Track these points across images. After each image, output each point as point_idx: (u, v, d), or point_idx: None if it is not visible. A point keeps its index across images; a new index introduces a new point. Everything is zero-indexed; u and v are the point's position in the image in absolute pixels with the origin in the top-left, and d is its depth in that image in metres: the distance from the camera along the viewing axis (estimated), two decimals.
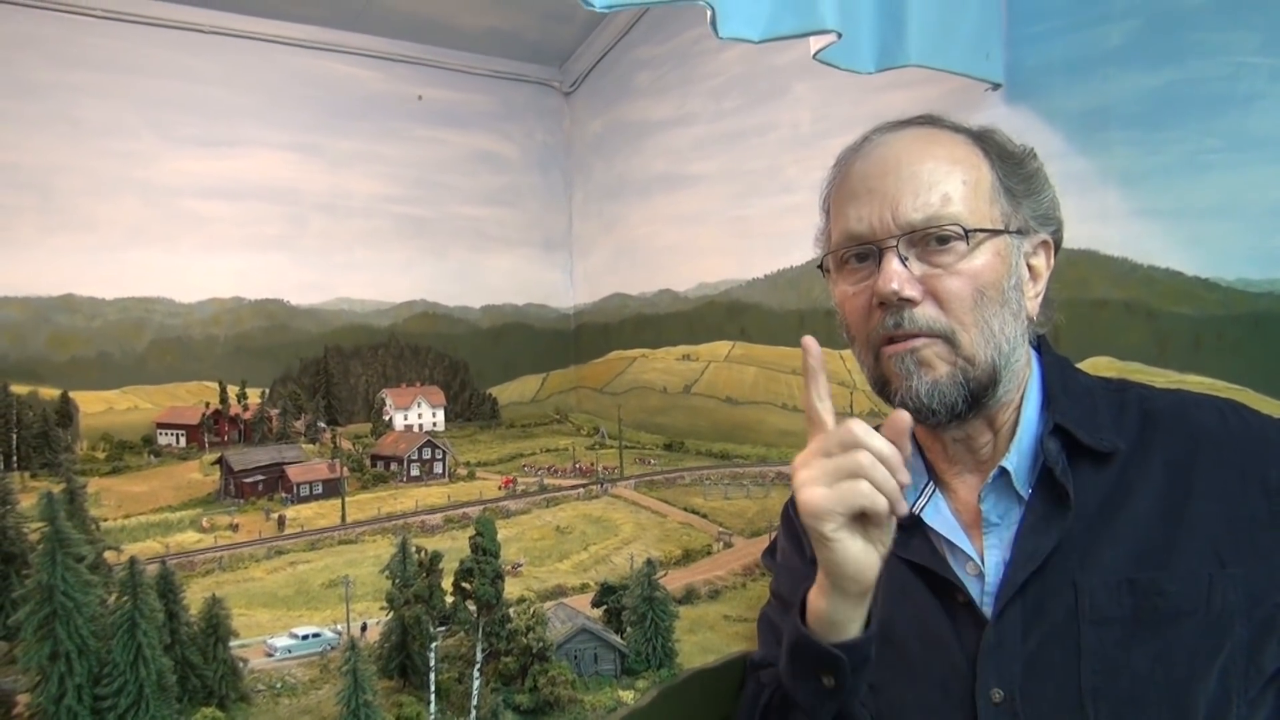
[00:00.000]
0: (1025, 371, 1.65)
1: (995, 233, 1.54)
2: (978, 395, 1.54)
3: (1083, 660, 1.40)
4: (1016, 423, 1.62)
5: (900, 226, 1.53)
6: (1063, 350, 1.75)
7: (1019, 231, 1.58)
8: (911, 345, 1.54)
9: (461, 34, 5.97)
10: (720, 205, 5.30)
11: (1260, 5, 2.79)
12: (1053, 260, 1.67)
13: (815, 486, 1.32)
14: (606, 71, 6.35)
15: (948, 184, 1.53)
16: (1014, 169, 1.62)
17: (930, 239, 1.51)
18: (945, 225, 1.50)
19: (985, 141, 1.63)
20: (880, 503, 1.34)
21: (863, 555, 1.37)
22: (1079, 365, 1.74)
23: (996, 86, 3.40)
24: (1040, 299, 1.64)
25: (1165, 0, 3.01)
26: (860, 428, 1.36)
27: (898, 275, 1.51)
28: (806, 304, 4.64)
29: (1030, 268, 1.62)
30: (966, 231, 1.50)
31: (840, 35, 2.60)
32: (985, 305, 1.51)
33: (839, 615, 1.41)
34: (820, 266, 1.74)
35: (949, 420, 1.56)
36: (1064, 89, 3.28)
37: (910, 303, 1.52)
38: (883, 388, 1.64)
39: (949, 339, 1.52)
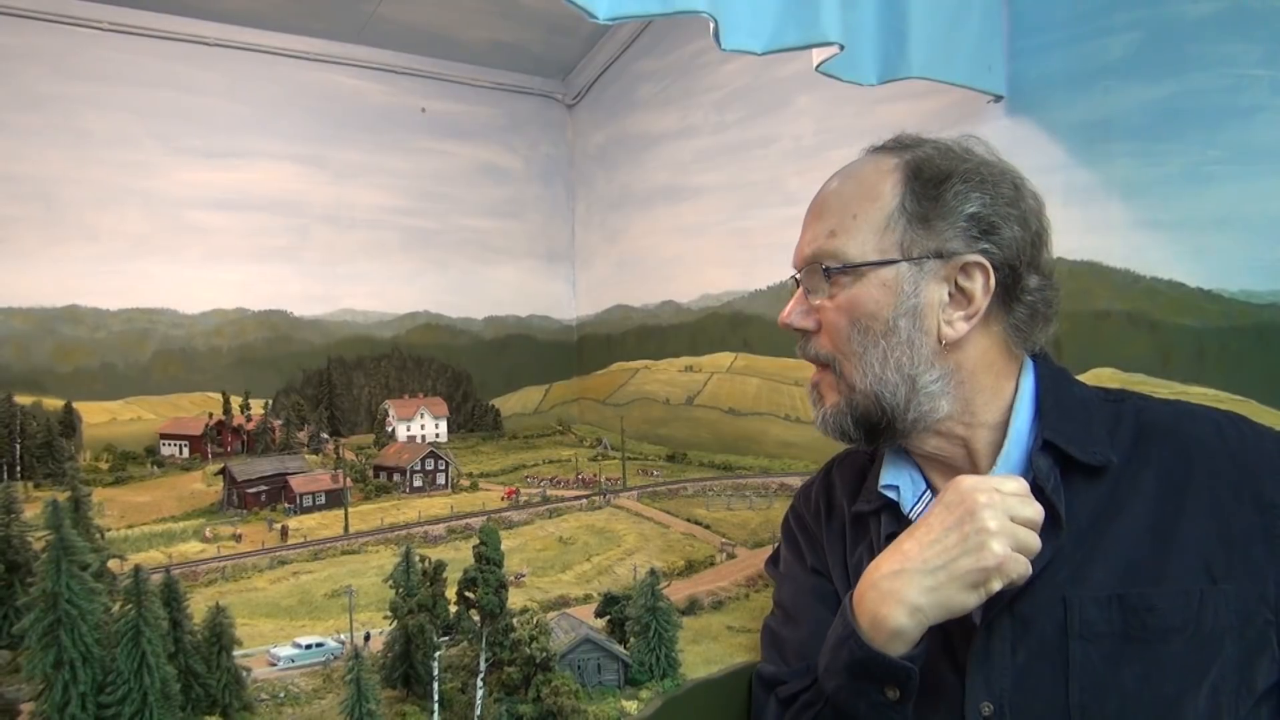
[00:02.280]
0: (999, 385, 1.63)
1: (879, 264, 1.54)
2: (869, 423, 1.58)
3: (1071, 676, 1.39)
4: (1001, 440, 1.62)
5: (802, 260, 1.61)
6: (1066, 362, 1.75)
7: (933, 256, 1.55)
8: (815, 377, 1.64)
9: (465, 47, 6.00)
10: (723, 217, 5.31)
11: (1262, 18, 2.81)
12: (993, 282, 1.59)
13: (1007, 545, 1.34)
14: (609, 84, 6.38)
15: (839, 218, 1.59)
16: (931, 191, 1.57)
17: (817, 272, 1.58)
18: (822, 260, 1.58)
19: (914, 166, 1.60)
20: (1022, 579, 1.37)
21: None
22: (1081, 377, 1.74)
23: (998, 98, 3.42)
24: (975, 319, 1.59)
25: (1167, 13, 3.03)
26: (1040, 512, 1.39)
27: (792, 307, 1.61)
28: None
29: (961, 289, 1.58)
30: (828, 269, 1.56)
31: (843, 47, 2.62)
32: (861, 337, 1.55)
33: (918, 632, 1.41)
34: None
35: (852, 443, 1.63)
36: (1066, 101, 3.29)
37: (806, 332, 1.60)
38: None
39: (834, 368, 1.59)
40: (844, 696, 1.49)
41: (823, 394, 1.61)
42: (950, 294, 1.56)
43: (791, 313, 1.62)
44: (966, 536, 1.35)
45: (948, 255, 1.56)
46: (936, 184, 1.58)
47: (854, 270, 1.53)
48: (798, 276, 1.65)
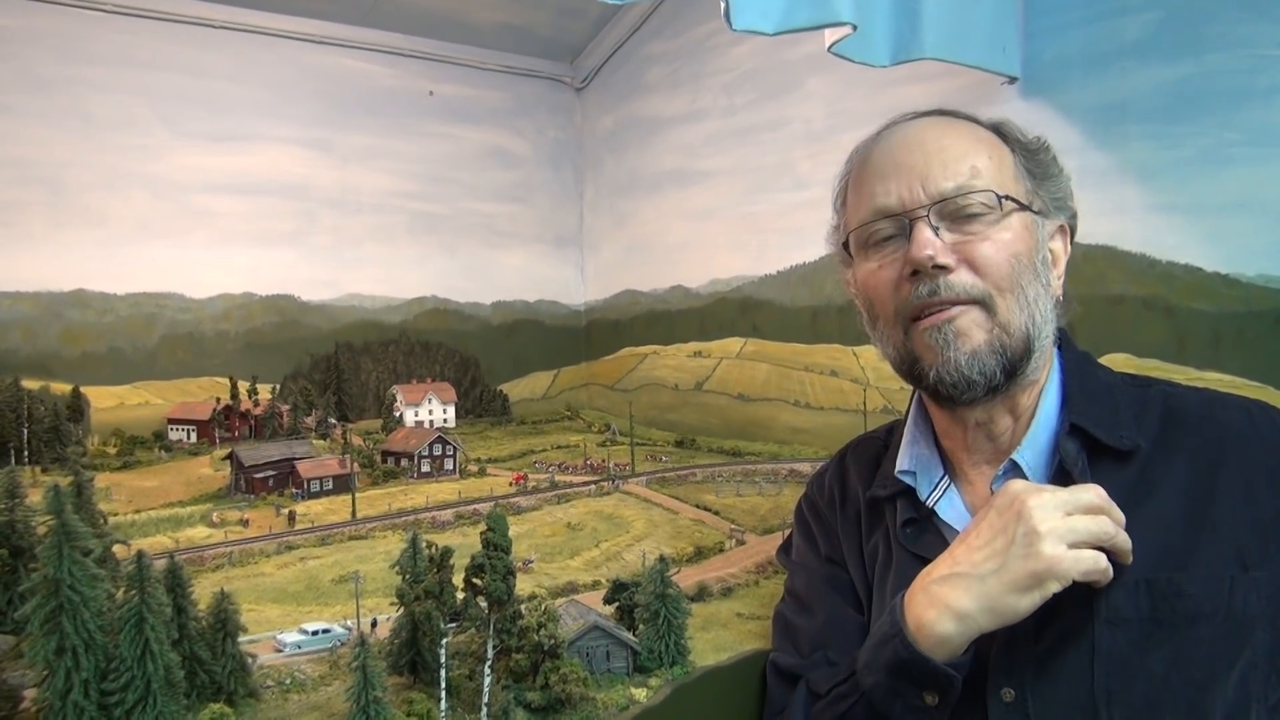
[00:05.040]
0: (1050, 355, 1.64)
1: (1023, 207, 1.53)
2: (1013, 366, 1.52)
3: (1096, 661, 1.37)
4: (1035, 410, 1.60)
5: (931, 196, 1.52)
6: (1080, 347, 1.73)
7: (1041, 212, 1.58)
8: (948, 315, 1.52)
9: (472, 29, 5.95)
10: (732, 201, 5.27)
11: None
12: (1069, 247, 1.66)
13: (1060, 545, 1.30)
14: (618, 67, 6.33)
15: (975, 158, 1.53)
16: (1031, 155, 1.62)
17: (961, 209, 1.51)
18: (978, 192, 1.50)
19: (1002, 129, 1.64)
20: (1106, 577, 1.33)
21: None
22: (1099, 361, 1.72)
23: (1013, 80, 3.38)
24: (1061, 282, 1.64)
25: None
26: (1103, 494, 1.35)
27: (931, 243, 1.50)
28: (819, 300, 4.62)
29: (1050, 251, 1.62)
30: (1000, 198, 1.49)
31: (855, 27, 2.58)
32: (1021, 272, 1.51)
33: (965, 640, 1.39)
34: (844, 246, 1.72)
35: (985, 394, 1.54)
36: (1081, 83, 3.25)
37: (945, 270, 1.51)
38: (912, 366, 1.61)
39: (985, 304, 1.51)
40: (880, 695, 1.47)
41: (964, 332, 1.51)
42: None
43: (928, 246, 1.51)
44: (1014, 540, 1.33)
45: (1048, 214, 1.60)
46: (1036, 150, 1.63)
47: (1005, 204, 1.51)
48: (915, 216, 1.54)
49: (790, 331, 4.84)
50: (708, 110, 5.44)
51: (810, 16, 2.45)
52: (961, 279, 1.51)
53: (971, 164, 1.52)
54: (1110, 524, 1.33)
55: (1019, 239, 1.52)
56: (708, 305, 5.53)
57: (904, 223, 1.55)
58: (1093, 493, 1.35)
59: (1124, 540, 1.33)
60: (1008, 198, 1.51)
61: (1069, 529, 1.31)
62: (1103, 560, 1.31)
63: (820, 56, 2.78)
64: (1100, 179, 3.16)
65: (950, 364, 1.52)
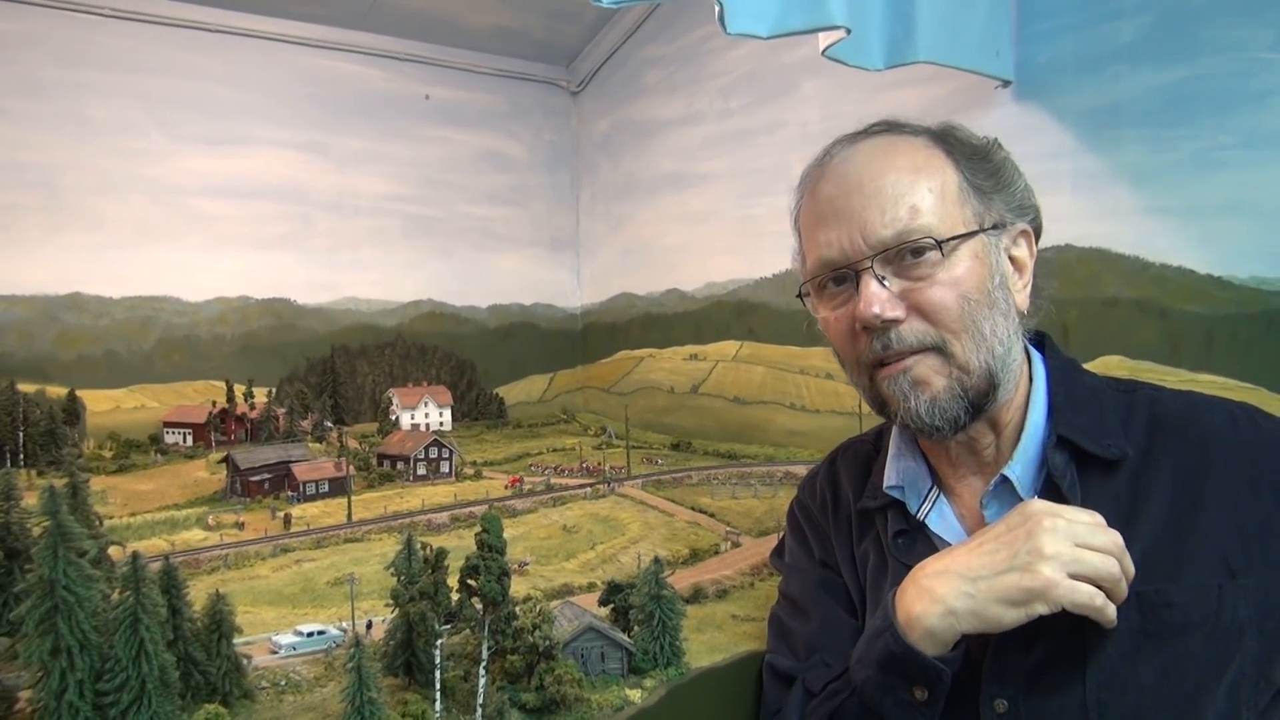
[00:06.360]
0: (1023, 368, 1.63)
1: (970, 235, 1.51)
2: (978, 403, 1.52)
3: (1088, 673, 1.37)
4: (1021, 424, 1.59)
5: (872, 246, 1.50)
6: (1074, 350, 1.73)
7: (995, 227, 1.56)
8: (904, 366, 1.52)
9: (467, 33, 5.96)
10: (728, 204, 5.28)
11: (1273, 1, 2.77)
12: (1035, 248, 1.65)
13: (1060, 571, 1.29)
14: (614, 71, 6.33)
15: (914, 195, 1.50)
16: (980, 165, 1.59)
17: (904, 254, 1.49)
18: (917, 238, 1.48)
19: (948, 141, 1.60)
20: (1102, 616, 1.32)
21: None
22: (1090, 365, 1.72)
23: (1006, 84, 3.38)
24: (1029, 289, 1.62)
25: None
26: (1120, 542, 1.33)
27: (877, 298, 1.49)
28: None
29: (1013, 259, 1.60)
30: (939, 242, 1.48)
31: (849, 31, 2.59)
32: (973, 310, 1.49)
33: (951, 635, 1.39)
34: (799, 295, 1.73)
35: (953, 433, 1.54)
36: (1075, 86, 3.25)
37: (895, 322, 1.50)
38: (881, 408, 1.62)
39: (940, 350, 1.50)
40: (871, 690, 1.47)
41: (923, 380, 1.50)
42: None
43: (875, 304, 1.49)
44: (1016, 554, 1.33)
45: (1006, 224, 1.58)
46: (984, 157, 1.59)
47: (947, 245, 1.49)
48: (859, 268, 1.53)
49: (786, 334, 4.84)
50: (703, 114, 5.45)
51: (804, 20, 2.46)
52: (914, 328, 1.50)
53: (910, 204, 1.49)
54: (1117, 568, 1.32)
55: (970, 273, 1.50)
56: (703, 308, 5.54)
57: (851, 273, 1.55)
58: (1110, 538, 1.34)
59: (1123, 590, 1.33)
60: (951, 238, 1.50)
61: (1075, 559, 1.30)
62: (1099, 597, 1.30)
63: (815, 60, 2.79)
64: (1093, 182, 3.17)
65: (912, 413, 1.52)
